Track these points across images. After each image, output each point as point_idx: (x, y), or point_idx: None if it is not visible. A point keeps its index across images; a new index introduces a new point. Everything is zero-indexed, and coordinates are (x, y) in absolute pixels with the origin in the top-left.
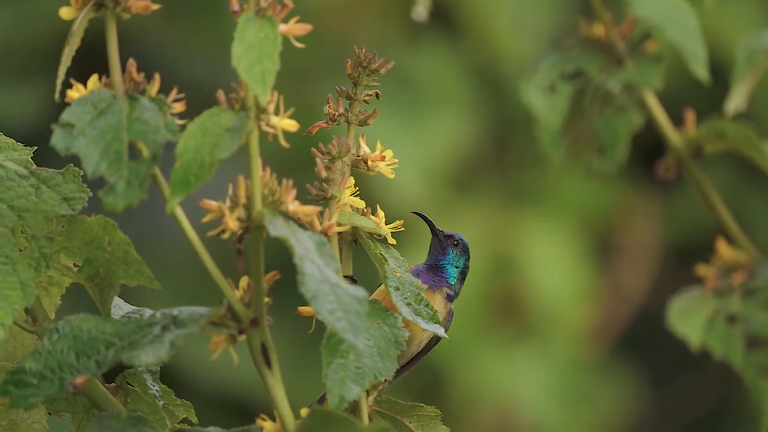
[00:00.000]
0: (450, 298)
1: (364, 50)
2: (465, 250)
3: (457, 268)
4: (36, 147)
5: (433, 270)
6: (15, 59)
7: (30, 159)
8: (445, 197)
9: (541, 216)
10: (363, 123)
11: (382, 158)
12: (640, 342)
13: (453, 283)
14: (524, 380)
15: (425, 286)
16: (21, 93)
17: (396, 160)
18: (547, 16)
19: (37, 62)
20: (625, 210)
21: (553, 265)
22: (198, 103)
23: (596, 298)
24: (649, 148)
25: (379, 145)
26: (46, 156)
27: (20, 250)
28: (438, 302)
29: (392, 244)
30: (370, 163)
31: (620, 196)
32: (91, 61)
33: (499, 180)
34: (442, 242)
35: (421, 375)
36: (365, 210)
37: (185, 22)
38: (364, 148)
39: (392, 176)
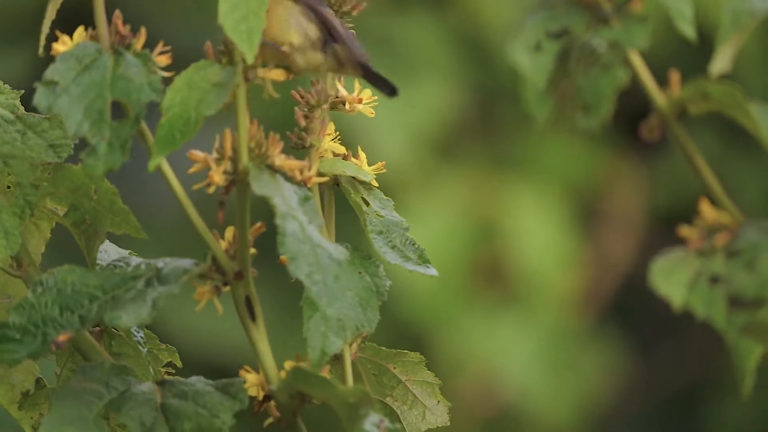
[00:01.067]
0: None
1: None
2: None
3: None
4: (23, 91)
5: None
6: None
7: (17, 103)
8: (429, 163)
9: (525, 182)
10: None
11: (360, 100)
12: (625, 310)
13: None
14: (509, 348)
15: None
16: (7, 57)
17: (375, 98)
18: None
19: (23, 25)
20: (610, 176)
21: (537, 231)
22: (185, 60)
23: (582, 265)
24: (633, 114)
25: (357, 86)
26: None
27: (8, 187)
28: None
29: (376, 187)
30: (348, 104)
31: (605, 161)
32: (78, 18)
33: (484, 146)
34: None
35: (402, 342)
36: (346, 154)
37: None
38: (342, 90)
39: (372, 115)
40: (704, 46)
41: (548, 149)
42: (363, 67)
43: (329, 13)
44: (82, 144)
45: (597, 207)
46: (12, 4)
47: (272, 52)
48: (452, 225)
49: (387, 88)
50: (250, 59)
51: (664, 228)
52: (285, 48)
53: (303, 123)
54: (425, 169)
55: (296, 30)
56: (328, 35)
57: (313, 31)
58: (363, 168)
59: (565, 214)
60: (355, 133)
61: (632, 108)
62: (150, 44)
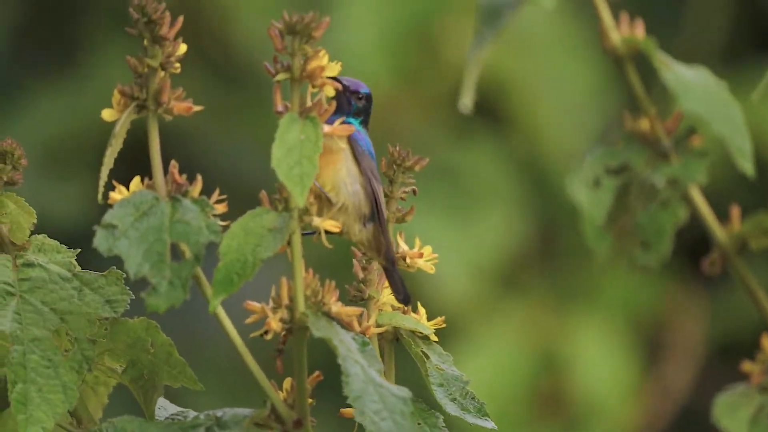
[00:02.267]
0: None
1: (398, 148)
2: (368, 99)
3: (359, 117)
4: (80, 250)
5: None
6: (60, 157)
7: (73, 261)
8: (491, 294)
9: (587, 312)
10: (401, 220)
11: (420, 255)
12: None
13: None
14: None
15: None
16: (66, 190)
17: (435, 255)
18: (593, 110)
19: (83, 160)
20: (670, 307)
21: (599, 361)
22: (243, 198)
23: (642, 395)
24: (694, 243)
25: (417, 242)
26: (90, 255)
27: (66, 351)
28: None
29: (435, 341)
30: (408, 260)
31: (666, 292)
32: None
33: (546, 276)
34: (348, 98)
35: None
36: (405, 308)
37: (229, 119)
38: (402, 246)
39: (432, 271)
40: (764, 179)
41: (610, 280)
42: (390, 262)
43: (380, 192)
44: (140, 300)
45: (658, 337)
46: (70, 139)
47: (318, 196)
48: (515, 354)
49: (401, 293)
50: (300, 203)
51: (723, 358)
52: (333, 200)
53: (361, 275)
54: (488, 299)
55: (351, 197)
56: (375, 215)
57: (365, 207)
58: (422, 322)
59: (627, 343)
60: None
61: (693, 238)
62: (214, 175)
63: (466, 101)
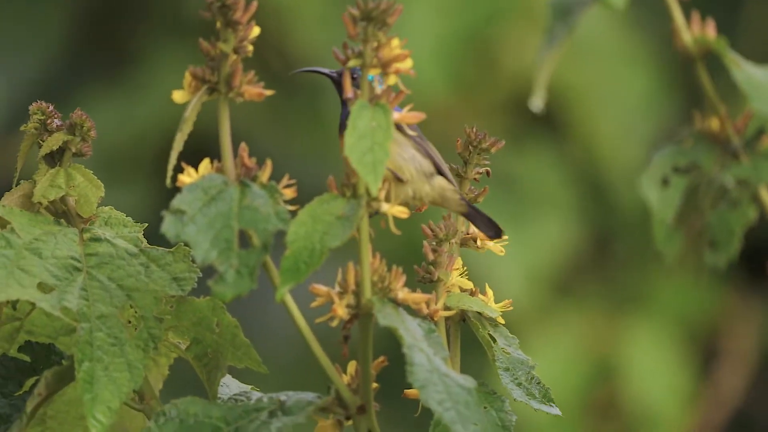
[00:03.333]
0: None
1: (474, 129)
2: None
3: None
4: (147, 224)
5: (346, 112)
6: (117, 164)
7: (140, 236)
8: (547, 300)
9: (642, 319)
10: (473, 201)
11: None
12: None
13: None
14: None
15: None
16: (124, 197)
17: (506, 237)
18: (648, 118)
19: (140, 167)
20: (724, 313)
21: (653, 368)
22: (299, 204)
23: (695, 402)
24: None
25: None
26: (154, 241)
27: (132, 327)
28: None
29: (501, 324)
30: (479, 242)
31: (720, 298)
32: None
33: (601, 283)
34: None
35: None
36: (474, 290)
37: (286, 125)
38: (473, 227)
39: (502, 253)
40: None
41: (664, 286)
42: (467, 204)
43: (433, 149)
44: (206, 276)
45: (712, 343)
46: (131, 142)
47: (390, 180)
48: (570, 361)
49: (491, 230)
50: (374, 190)
51: None
52: (403, 177)
53: (431, 257)
54: (543, 305)
55: (412, 163)
56: (435, 169)
57: (427, 165)
58: (490, 305)
59: (681, 350)
60: (474, 268)
61: (752, 246)
62: (274, 177)
63: (538, 101)
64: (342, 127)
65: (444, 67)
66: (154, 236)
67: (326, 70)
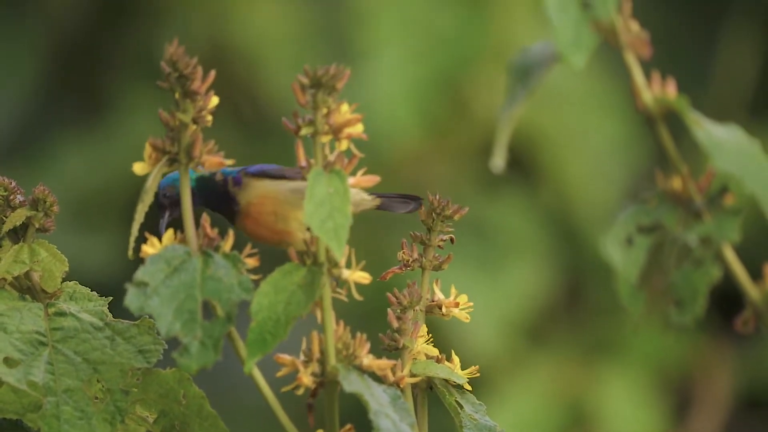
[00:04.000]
0: (238, 181)
1: (437, 196)
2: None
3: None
4: (111, 298)
5: (219, 197)
6: (88, 210)
7: (105, 310)
8: (519, 346)
9: (616, 366)
10: (437, 268)
11: (456, 304)
12: None
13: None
14: None
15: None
16: (95, 244)
17: (471, 304)
18: (621, 164)
19: (112, 213)
20: (698, 359)
21: (627, 415)
22: (274, 255)
23: None
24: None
25: (453, 290)
26: (120, 305)
27: (96, 398)
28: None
29: (468, 390)
30: (444, 308)
31: (695, 347)
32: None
33: (573, 330)
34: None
35: None
36: (440, 357)
37: None
38: (438, 294)
39: (467, 320)
40: None
41: (638, 335)
42: (377, 196)
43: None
44: (171, 348)
45: (686, 390)
46: (99, 190)
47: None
48: (542, 408)
49: (409, 205)
50: (338, 255)
51: (750, 412)
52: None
53: (396, 324)
54: (515, 353)
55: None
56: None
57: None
58: (456, 371)
59: (655, 397)
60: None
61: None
62: (237, 246)
63: (499, 160)
64: (229, 216)
65: (416, 111)
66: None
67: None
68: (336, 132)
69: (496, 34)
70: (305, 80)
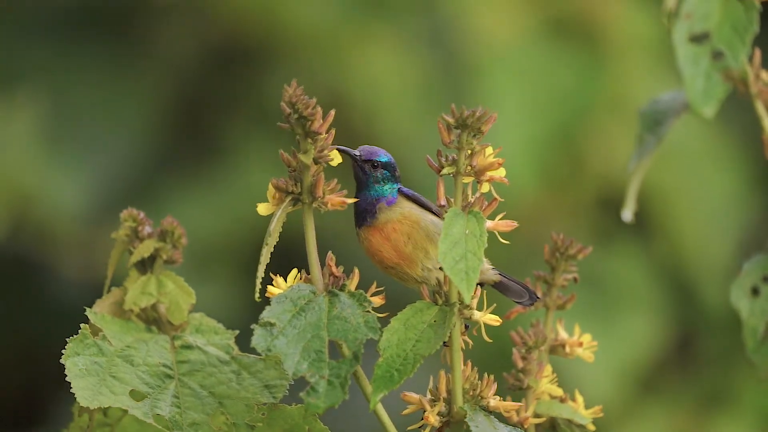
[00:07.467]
0: (390, 202)
1: (561, 236)
2: (387, 166)
3: (382, 182)
4: (237, 331)
5: (366, 200)
6: (206, 257)
7: (231, 343)
8: (633, 396)
9: (728, 418)
10: (561, 307)
11: (580, 344)
12: None
13: (386, 194)
14: None
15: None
16: (213, 291)
17: (595, 344)
18: (734, 218)
19: (230, 260)
20: None
21: None
22: (393, 297)
23: None
24: None
25: (577, 329)
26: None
27: (221, 430)
28: (394, 212)
29: (592, 431)
30: (568, 348)
31: None
32: (288, 260)
33: (686, 381)
34: (362, 167)
35: None
36: (563, 397)
37: None
38: (562, 333)
39: (591, 360)
40: None
41: (751, 386)
42: (499, 274)
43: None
44: (297, 384)
45: None
46: (221, 242)
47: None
48: None
49: (524, 296)
50: (467, 297)
51: None
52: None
53: (520, 364)
54: (628, 401)
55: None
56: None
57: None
58: (580, 411)
59: None
60: (562, 363)
61: None
62: (362, 285)
63: (628, 212)
64: (359, 219)
65: (533, 164)
66: (246, 335)
67: (352, 151)
68: (478, 174)
69: (611, 86)
70: (451, 120)
